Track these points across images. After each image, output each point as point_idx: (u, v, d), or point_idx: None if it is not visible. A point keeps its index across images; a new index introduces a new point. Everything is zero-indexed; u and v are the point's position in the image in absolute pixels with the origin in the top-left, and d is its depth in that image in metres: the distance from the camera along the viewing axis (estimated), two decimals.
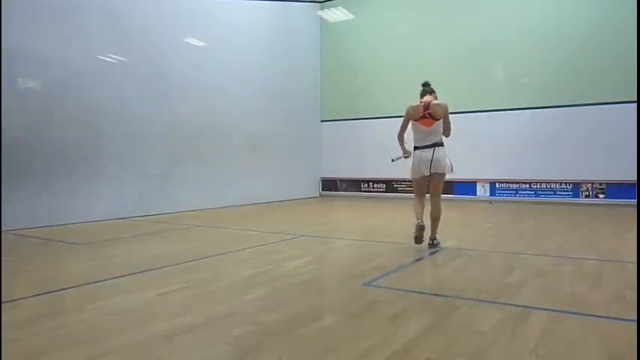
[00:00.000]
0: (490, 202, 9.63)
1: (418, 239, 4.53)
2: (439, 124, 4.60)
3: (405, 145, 4.87)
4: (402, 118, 4.75)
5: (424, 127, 4.60)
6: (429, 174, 4.59)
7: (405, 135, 4.78)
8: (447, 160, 4.60)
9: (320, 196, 12.73)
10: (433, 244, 4.69)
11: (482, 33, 10.59)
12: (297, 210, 9.25)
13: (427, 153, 4.57)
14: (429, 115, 4.57)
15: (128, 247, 4.99)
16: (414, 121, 4.66)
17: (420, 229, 4.50)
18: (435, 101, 4.63)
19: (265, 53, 10.80)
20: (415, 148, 4.71)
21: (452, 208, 9.05)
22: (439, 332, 2.35)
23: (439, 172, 4.57)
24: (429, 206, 4.68)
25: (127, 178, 7.70)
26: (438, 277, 3.59)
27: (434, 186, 4.68)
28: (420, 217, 4.58)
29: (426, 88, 4.80)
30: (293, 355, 2.10)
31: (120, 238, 5.59)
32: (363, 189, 12.33)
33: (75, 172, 6.92)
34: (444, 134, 4.67)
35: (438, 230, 4.72)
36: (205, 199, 9.06)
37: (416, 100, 4.75)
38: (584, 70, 9.63)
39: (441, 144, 4.62)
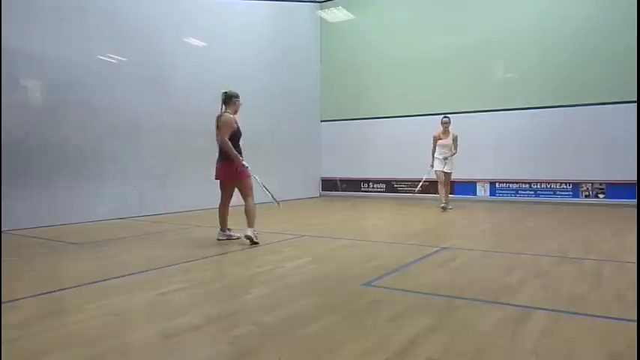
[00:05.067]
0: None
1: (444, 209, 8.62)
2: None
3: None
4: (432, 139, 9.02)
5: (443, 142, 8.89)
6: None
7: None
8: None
9: (320, 196, 12.72)
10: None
11: (482, 33, 10.59)
12: (297, 210, 9.25)
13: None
14: (443, 137, 8.83)
15: (128, 247, 4.99)
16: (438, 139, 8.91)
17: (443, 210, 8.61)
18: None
19: (265, 53, 10.80)
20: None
21: (452, 208, 9.05)
22: (439, 332, 2.35)
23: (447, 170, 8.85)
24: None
25: (127, 178, 7.70)
26: (438, 277, 3.59)
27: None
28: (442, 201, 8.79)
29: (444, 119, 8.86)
30: (293, 355, 2.10)
31: (120, 238, 5.60)
32: (363, 189, 12.33)
33: (75, 172, 6.92)
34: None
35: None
36: (205, 199, 9.00)
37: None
38: (583, 70, 9.63)
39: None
